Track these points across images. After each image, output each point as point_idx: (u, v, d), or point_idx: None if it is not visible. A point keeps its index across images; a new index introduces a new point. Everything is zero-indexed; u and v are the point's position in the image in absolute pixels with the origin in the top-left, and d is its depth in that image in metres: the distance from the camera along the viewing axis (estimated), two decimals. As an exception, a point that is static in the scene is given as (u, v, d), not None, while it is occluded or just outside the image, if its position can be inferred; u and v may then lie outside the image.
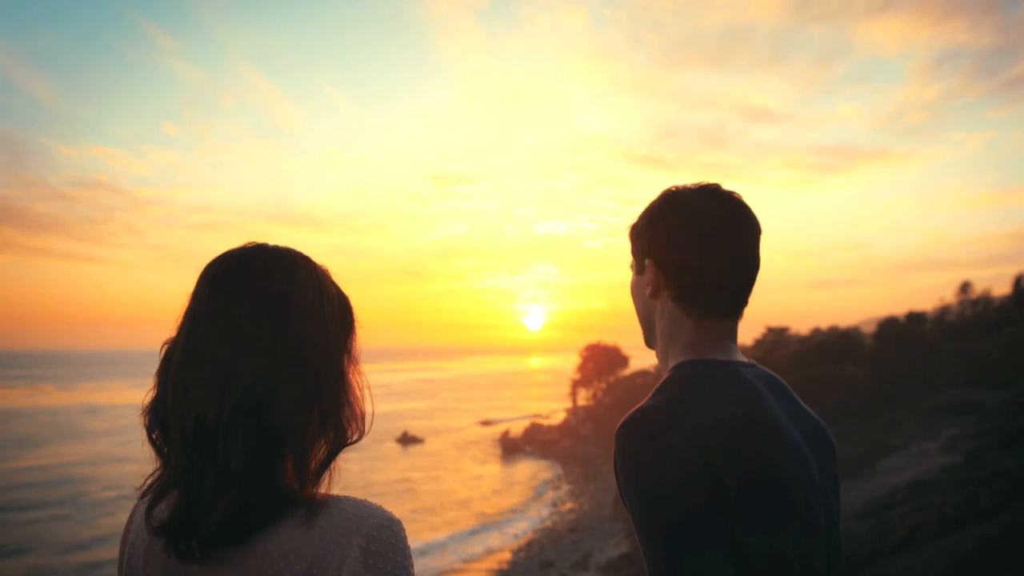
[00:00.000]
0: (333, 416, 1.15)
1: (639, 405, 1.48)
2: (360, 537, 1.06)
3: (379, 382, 1.40)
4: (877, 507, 20.41)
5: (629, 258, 1.69)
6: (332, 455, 1.18)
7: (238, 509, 1.06)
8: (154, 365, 1.18)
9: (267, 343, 1.11)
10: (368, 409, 1.23)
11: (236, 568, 1.08)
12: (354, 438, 1.20)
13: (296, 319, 1.13)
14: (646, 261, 1.59)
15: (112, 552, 35.55)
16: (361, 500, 1.11)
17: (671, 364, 1.59)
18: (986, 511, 7.21)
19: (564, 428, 78.18)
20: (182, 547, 1.07)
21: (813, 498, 1.47)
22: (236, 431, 1.07)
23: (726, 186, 1.63)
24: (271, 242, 1.26)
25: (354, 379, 1.20)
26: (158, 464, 1.15)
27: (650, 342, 1.68)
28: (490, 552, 38.26)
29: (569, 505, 49.96)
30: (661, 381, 1.55)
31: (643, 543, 1.38)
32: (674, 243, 1.55)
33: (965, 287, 56.52)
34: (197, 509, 1.07)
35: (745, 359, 1.59)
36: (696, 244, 1.53)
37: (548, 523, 44.84)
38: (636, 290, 1.66)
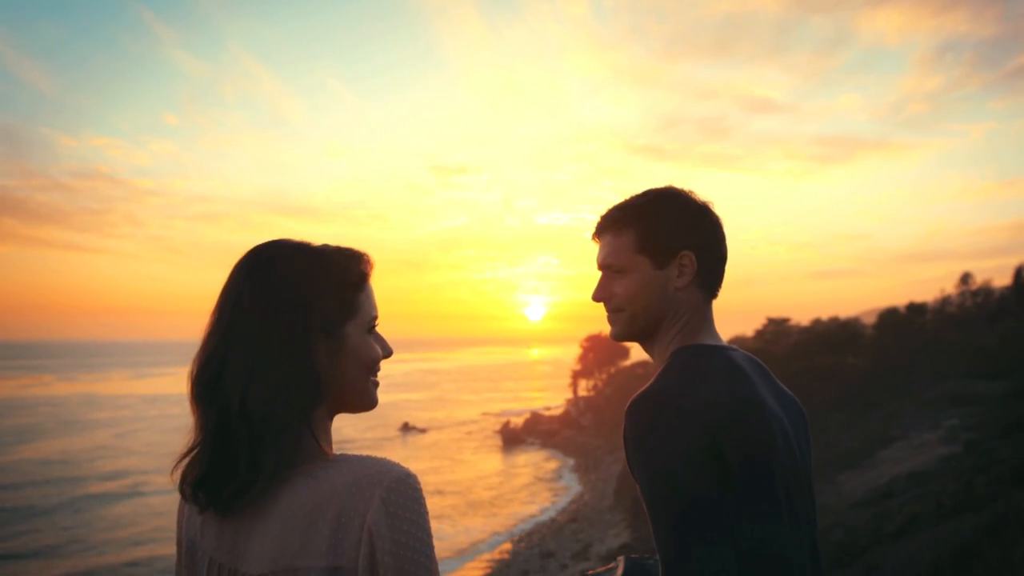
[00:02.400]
0: (301, 392, 1.26)
1: (648, 387, 1.61)
2: (381, 489, 1.19)
3: (380, 373, 1.50)
4: (876, 497, 20.46)
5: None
6: (327, 418, 1.36)
7: (258, 461, 1.22)
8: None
9: (223, 324, 1.30)
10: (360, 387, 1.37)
11: (274, 517, 1.22)
12: (350, 407, 1.38)
13: (242, 310, 1.29)
14: (686, 255, 1.72)
15: (113, 543, 35.68)
16: (380, 457, 1.25)
17: (671, 350, 1.73)
18: (982, 499, 7.27)
19: (565, 418, 78.27)
20: (216, 498, 1.24)
21: (792, 472, 1.62)
22: (236, 402, 1.24)
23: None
24: (275, 233, 1.41)
25: (334, 359, 1.32)
26: (193, 438, 1.32)
27: (641, 334, 1.79)
28: (490, 542, 38.37)
29: (570, 495, 50.06)
30: (664, 366, 1.69)
31: (654, 525, 1.50)
32: (711, 234, 1.77)
33: (965, 278, 56.47)
34: (223, 462, 1.25)
35: (725, 342, 1.77)
36: (721, 238, 1.80)
37: (549, 513, 44.95)
38: (654, 284, 1.73)
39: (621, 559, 1.96)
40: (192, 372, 1.32)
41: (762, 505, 1.52)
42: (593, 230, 1.86)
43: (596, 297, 1.80)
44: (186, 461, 1.32)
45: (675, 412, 1.52)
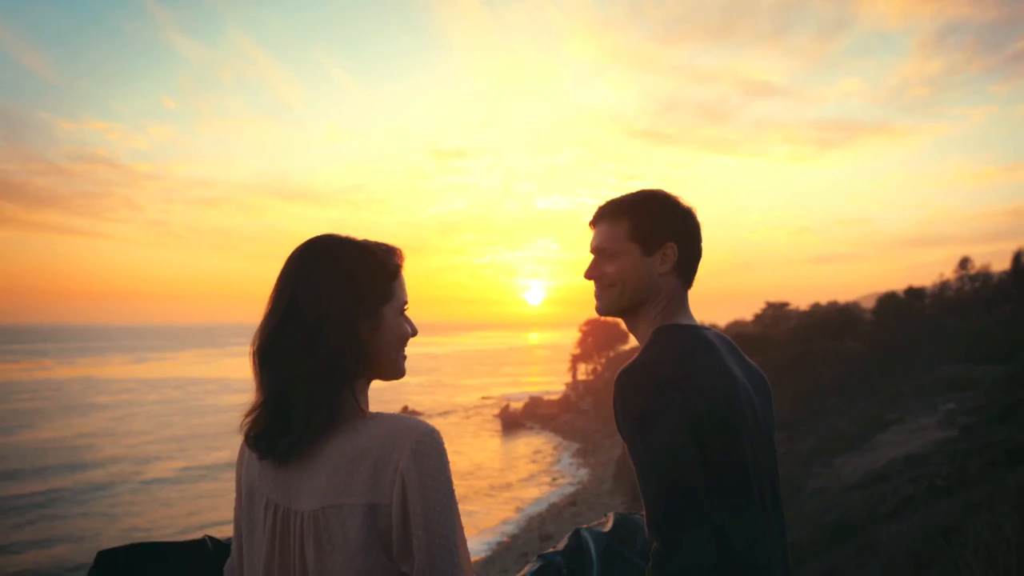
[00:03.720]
0: (344, 361, 1.55)
1: (633, 360, 1.89)
2: (411, 440, 1.47)
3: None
4: (872, 479, 20.62)
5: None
6: (364, 384, 1.64)
7: (306, 418, 1.51)
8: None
9: (281, 303, 1.58)
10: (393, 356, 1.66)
11: (322, 463, 1.51)
12: (383, 376, 1.66)
13: (300, 292, 1.57)
14: (670, 245, 2.03)
15: (110, 529, 35.80)
16: (410, 416, 1.53)
17: (653, 328, 2.02)
18: (974, 479, 7.39)
19: (564, 402, 78.49)
20: (272, 449, 1.53)
21: (756, 431, 1.91)
22: (293, 369, 1.53)
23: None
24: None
25: (372, 335, 1.60)
26: (256, 398, 1.58)
27: (625, 312, 2.09)
28: (489, 525, 38.59)
29: (569, 479, 50.29)
30: (648, 342, 1.98)
31: (645, 499, 1.77)
32: (691, 232, 2.07)
33: (964, 263, 56.52)
34: (280, 418, 1.53)
35: (699, 322, 2.06)
36: (699, 237, 2.10)
37: (548, 497, 45.17)
38: (643, 267, 2.03)
39: (612, 514, 2.23)
40: (255, 343, 1.59)
41: (729, 457, 1.80)
42: (591, 218, 2.14)
43: (589, 275, 2.10)
44: (250, 418, 1.58)
45: (656, 382, 1.80)
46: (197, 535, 2.04)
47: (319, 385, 1.52)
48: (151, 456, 52.79)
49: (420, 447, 1.47)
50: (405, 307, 1.68)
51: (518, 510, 42.42)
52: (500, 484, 48.88)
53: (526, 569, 2.12)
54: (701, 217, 2.13)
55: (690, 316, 2.06)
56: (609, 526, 2.17)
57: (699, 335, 1.97)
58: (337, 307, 1.56)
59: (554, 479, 50.70)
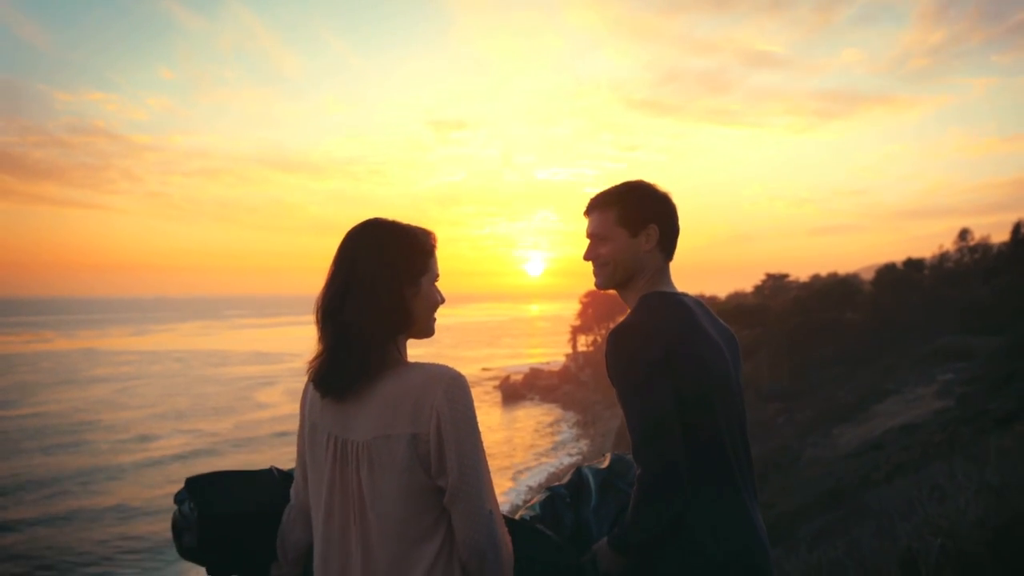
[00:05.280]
0: (388, 319, 1.95)
1: (623, 320, 2.34)
2: (443, 383, 1.88)
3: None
4: (868, 448, 20.84)
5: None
6: (405, 339, 2.05)
7: (358, 364, 1.91)
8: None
9: (339, 273, 1.98)
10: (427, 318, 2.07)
11: (372, 402, 1.92)
12: (418, 335, 2.07)
13: (357, 263, 1.97)
14: (652, 226, 2.42)
15: (120, 496, 36.02)
16: (442, 364, 1.94)
17: (640, 295, 2.42)
18: (964, 446, 7.56)
19: (564, 374, 78.78)
20: (331, 388, 1.93)
21: (723, 374, 2.33)
22: (351, 324, 1.93)
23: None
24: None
25: (412, 300, 2.00)
26: (318, 348, 1.98)
27: (619, 285, 2.50)
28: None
29: (569, 449, 50.62)
30: (635, 306, 2.40)
31: (629, 421, 2.20)
32: (669, 214, 2.46)
33: (964, 234, 56.56)
34: (336, 362, 1.93)
35: (679, 290, 2.48)
36: (676, 217, 2.48)
37: (548, 467, 45.48)
38: (631, 247, 2.44)
39: (609, 454, 2.65)
40: (319, 303, 2.00)
41: (696, 383, 2.22)
42: (584, 208, 2.55)
43: (586, 257, 2.52)
44: (314, 364, 1.99)
45: (641, 337, 2.23)
46: (264, 467, 2.45)
47: (371, 338, 1.92)
48: (154, 430, 52.95)
49: (450, 388, 1.88)
50: (437, 279, 2.08)
51: (517, 479, 42.76)
52: (500, 454, 49.18)
53: (536, 499, 2.58)
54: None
55: (671, 285, 2.47)
56: (606, 464, 2.58)
57: (677, 300, 2.38)
58: (387, 276, 1.96)
59: (554, 449, 51.02)
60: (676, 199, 2.49)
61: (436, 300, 2.08)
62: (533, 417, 64.39)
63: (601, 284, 2.52)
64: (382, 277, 1.97)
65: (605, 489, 2.51)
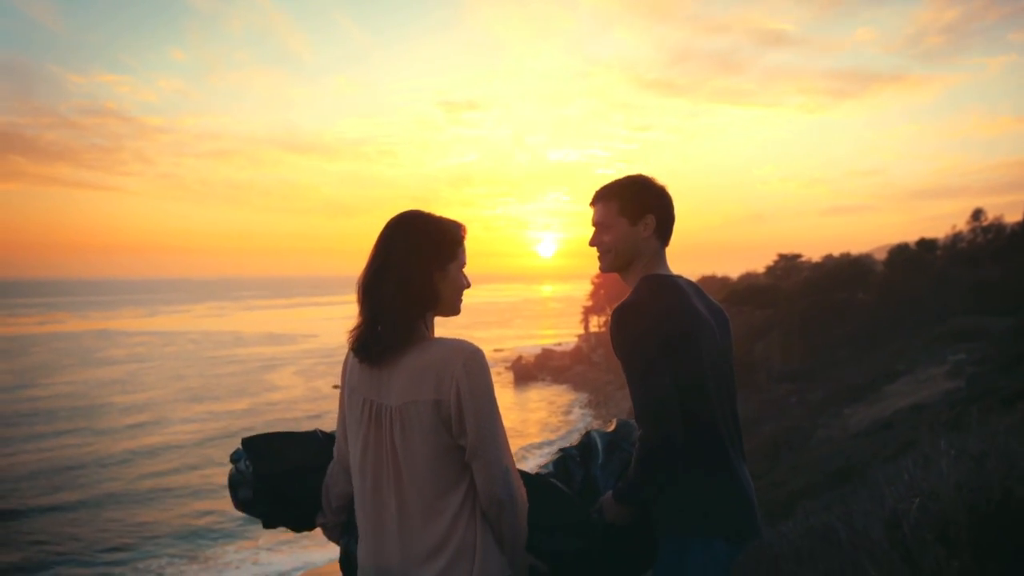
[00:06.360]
0: (419, 298, 2.23)
1: (624, 300, 2.63)
2: (463, 356, 2.16)
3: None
4: (878, 427, 20.94)
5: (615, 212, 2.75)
6: (432, 317, 2.32)
7: (391, 336, 2.19)
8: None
9: (379, 256, 2.25)
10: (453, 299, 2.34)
11: (402, 370, 2.19)
12: (444, 313, 2.35)
13: (396, 249, 2.24)
14: (648, 216, 2.69)
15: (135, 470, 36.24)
16: (464, 339, 2.21)
17: (638, 278, 2.71)
18: (969, 426, 7.63)
19: (576, 354, 78.99)
20: (368, 354, 2.22)
21: (714, 349, 2.62)
22: (385, 300, 2.21)
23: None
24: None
25: (440, 283, 2.27)
26: (358, 320, 2.26)
27: (620, 269, 2.80)
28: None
29: (580, 430, 50.72)
30: (635, 287, 2.68)
31: (628, 381, 2.51)
32: (664, 205, 2.73)
33: (977, 214, 56.19)
34: (372, 333, 2.21)
35: (674, 272, 2.77)
36: (671, 207, 2.76)
37: (560, 447, 45.65)
38: (630, 235, 2.72)
39: (615, 419, 2.97)
40: (360, 281, 2.29)
41: (692, 365, 2.50)
42: (590, 200, 2.83)
43: (592, 243, 2.80)
44: (354, 334, 2.27)
45: (639, 313, 2.53)
46: (309, 429, 2.80)
47: (404, 314, 2.20)
48: (168, 413, 53.19)
49: (468, 361, 2.16)
50: (464, 265, 2.35)
51: (527, 460, 43.00)
52: (512, 434, 48.83)
53: (548, 459, 2.89)
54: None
55: (667, 268, 2.75)
56: (612, 427, 2.91)
57: (671, 282, 2.68)
58: (420, 261, 2.24)
59: (567, 430, 51.20)
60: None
61: (462, 284, 2.35)
62: (545, 398, 64.60)
63: (604, 268, 2.82)
64: (413, 262, 2.24)
65: (611, 450, 2.83)
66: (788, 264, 68.82)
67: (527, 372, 75.45)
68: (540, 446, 46.24)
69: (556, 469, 2.84)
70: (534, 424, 53.94)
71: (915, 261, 50.96)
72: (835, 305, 47.90)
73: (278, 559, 25.33)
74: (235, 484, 2.67)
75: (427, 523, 2.21)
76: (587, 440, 2.90)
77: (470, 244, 2.40)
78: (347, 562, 2.56)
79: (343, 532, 2.61)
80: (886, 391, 29.79)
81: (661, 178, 2.80)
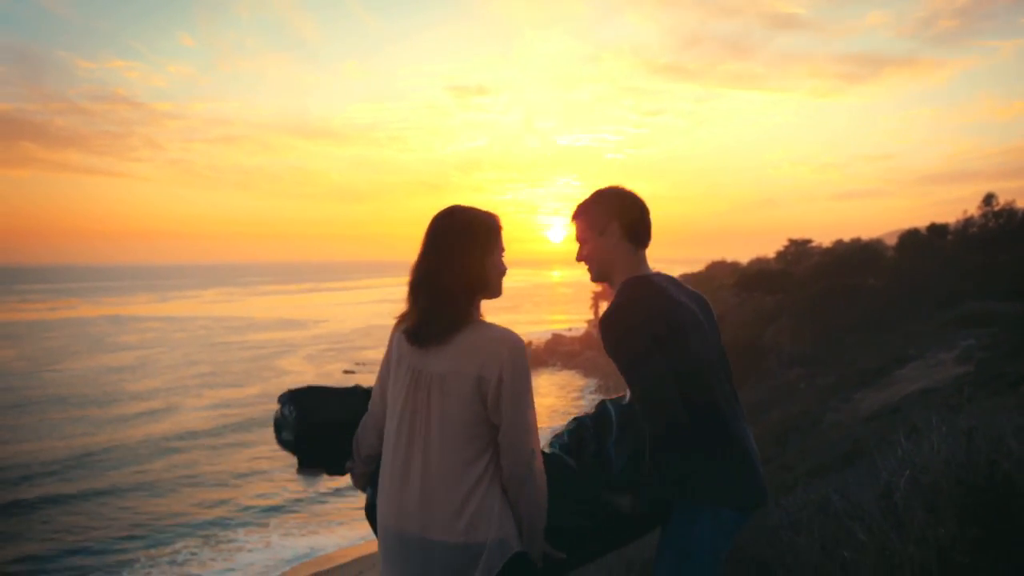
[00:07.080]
0: (472, 284, 2.49)
1: (613, 303, 2.81)
2: (509, 344, 2.42)
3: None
4: (887, 412, 20.93)
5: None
6: (479, 300, 2.56)
7: (448, 319, 2.44)
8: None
9: (433, 248, 2.52)
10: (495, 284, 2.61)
11: (451, 349, 2.43)
12: (490, 296, 2.59)
13: (448, 241, 2.51)
14: (612, 224, 2.87)
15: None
16: (508, 328, 2.47)
17: (620, 281, 2.89)
18: (974, 410, 7.80)
19: (586, 340, 78.99)
20: (423, 338, 2.46)
21: (701, 339, 2.79)
22: (445, 288, 2.47)
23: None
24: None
25: (489, 269, 2.54)
26: (407, 303, 2.53)
27: (604, 277, 2.97)
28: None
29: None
30: (617, 292, 2.87)
31: (623, 374, 2.70)
32: (630, 209, 2.91)
33: (989, 199, 55.76)
34: (429, 318, 2.46)
35: (653, 270, 2.94)
36: (640, 210, 2.92)
37: (575, 416, 45.75)
38: (601, 245, 2.91)
39: (627, 392, 3.05)
40: (414, 270, 2.52)
41: (684, 353, 2.68)
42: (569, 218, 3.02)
43: (577, 259, 3.01)
44: (403, 316, 2.55)
45: (623, 314, 2.73)
46: (350, 384, 3.06)
47: (456, 299, 2.46)
48: (179, 400, 53.37)
49: (514, 349, 2.41)
50: (503, 253, 2.61)
51: (541, 445, 43.05)
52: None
53: (564, 428, 3.17)
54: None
55: (647, 268, 2.94)
56: (627, 399, 3.03)
57: (649, 280, 2.86)
58: (473, 250, 2.51)
59: (575, 415, 51.26)
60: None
61: (503, 269, 2.63)
62: (555, 383, 64.75)
63: (592, 279, 3.06)
64: (467, 252, 2.50)
65: (625, 426, 2.96)
66: (799, 249, 68.59)
67: (537, 357, 75.49)
68: (550, 432, 46.29)
69: (570, 440, 3.08)
70: (545, 410, 53.97)
71: (926, 246, 50.78)
72: (845, 290, 47.77)
73: (290, 543, 25.51)
74: (279, 426, 2.93)
75: (450, 487, 2.40)
76: (602, 411, 3.08)
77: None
78: (372, 511, 2.75)
79: (368, 482, 2.84)
80: (896, 376, 29.72)
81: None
